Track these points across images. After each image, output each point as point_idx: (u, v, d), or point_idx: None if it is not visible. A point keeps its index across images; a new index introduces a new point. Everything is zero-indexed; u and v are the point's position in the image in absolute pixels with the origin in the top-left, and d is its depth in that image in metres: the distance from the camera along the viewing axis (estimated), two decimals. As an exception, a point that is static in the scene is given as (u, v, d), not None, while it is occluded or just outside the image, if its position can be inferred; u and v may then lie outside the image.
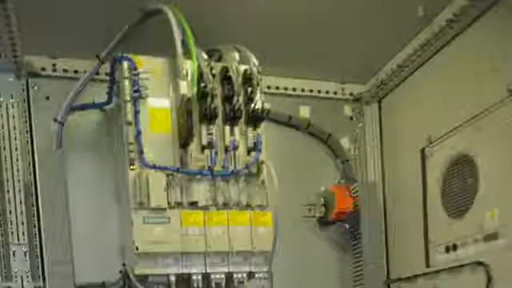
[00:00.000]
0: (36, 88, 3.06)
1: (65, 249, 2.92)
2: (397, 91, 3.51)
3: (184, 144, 2.82)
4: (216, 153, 2.88)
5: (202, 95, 2.78)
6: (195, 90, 2.77)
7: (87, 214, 3.12)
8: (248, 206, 2.96)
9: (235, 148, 2.93)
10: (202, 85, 2.78)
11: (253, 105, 2.93)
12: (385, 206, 3.60)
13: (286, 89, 3.55)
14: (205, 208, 2.88)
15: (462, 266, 2.90)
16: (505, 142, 2.67)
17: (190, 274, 2.89)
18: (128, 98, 2.75)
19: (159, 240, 2.79)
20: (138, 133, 2.75)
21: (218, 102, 2.87)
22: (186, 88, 2.73)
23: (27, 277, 2.89)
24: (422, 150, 3.25)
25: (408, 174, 3.39)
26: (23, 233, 2.89)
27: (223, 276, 2.94)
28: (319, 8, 2.86)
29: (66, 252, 2.92)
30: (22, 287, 2.88)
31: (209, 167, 2.86)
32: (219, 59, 2.98)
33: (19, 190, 2.89)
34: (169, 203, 2.80)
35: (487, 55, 2.77)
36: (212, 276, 2.92)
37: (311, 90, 3.61)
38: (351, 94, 3.69)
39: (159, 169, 2.77)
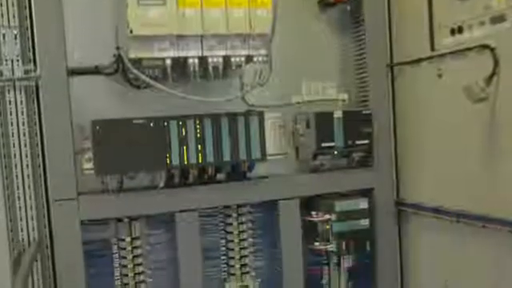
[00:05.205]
0: None
1: (57, 31, 2.84)
2: None
3: None
4: None
5: None
6: None
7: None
8: (247, -13, 2.87)
9: None
10: None
11: None
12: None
13: None
14: (202, -12, 2.79)
15: (467, 49, 2.87)
16: None
17: (186, 58, 2.84)
18: None
19: (154, 22, 2.71)
20: None
21: None
22: None
23: (17, 60, 2.83)
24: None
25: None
26: (13, 15, 2.80)
27: (220, 60, 2.89)
28: None
29: (58, 34, 2.84)
30: (13, 71, 2.82)
31: None
32: None
33: None
34: (165, -19, 2.71)
35: None
36: (209, 60, 2.87)
37: None
38: None
39: None
